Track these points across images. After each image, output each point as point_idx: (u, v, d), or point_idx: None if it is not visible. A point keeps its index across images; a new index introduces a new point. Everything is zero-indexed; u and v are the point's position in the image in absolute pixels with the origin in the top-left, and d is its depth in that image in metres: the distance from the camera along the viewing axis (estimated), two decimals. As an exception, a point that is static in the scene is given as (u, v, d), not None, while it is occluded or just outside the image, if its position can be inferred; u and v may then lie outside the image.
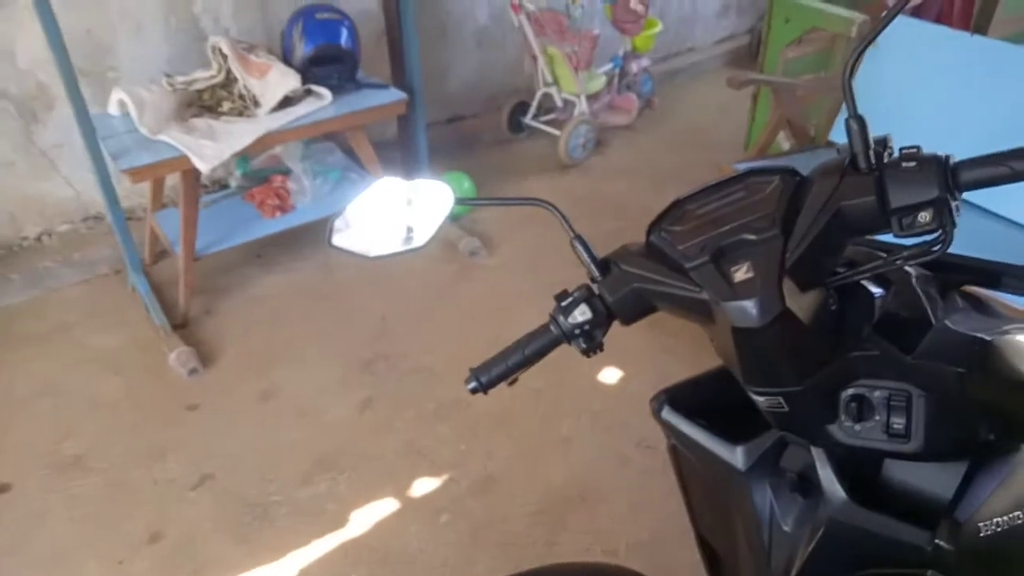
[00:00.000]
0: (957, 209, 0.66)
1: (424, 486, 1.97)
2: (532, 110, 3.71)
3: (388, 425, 2.17)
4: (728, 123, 3.70)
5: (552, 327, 0.83)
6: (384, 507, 1.91)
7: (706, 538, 1.04)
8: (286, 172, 2.89)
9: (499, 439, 2.11)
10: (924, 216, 0.65)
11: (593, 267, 0.82)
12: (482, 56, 3.79)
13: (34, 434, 2.15)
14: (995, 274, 0.82)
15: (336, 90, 2.66)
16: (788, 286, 0.68)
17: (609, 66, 3.73)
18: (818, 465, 0.77)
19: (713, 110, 4.09)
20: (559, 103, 3.62)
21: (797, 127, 2.77)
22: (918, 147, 0.68)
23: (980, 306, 0.82)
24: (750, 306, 0.68)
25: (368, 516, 1.89)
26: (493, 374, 0.86)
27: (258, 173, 2.93)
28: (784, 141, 2.97)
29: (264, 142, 2.52)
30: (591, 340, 0.82)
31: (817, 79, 2.97)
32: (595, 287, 0.82)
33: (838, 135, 2.52)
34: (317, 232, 3.01)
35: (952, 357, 0.69)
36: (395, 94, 2.76)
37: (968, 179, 0.65)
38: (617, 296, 0.80)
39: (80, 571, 1.78)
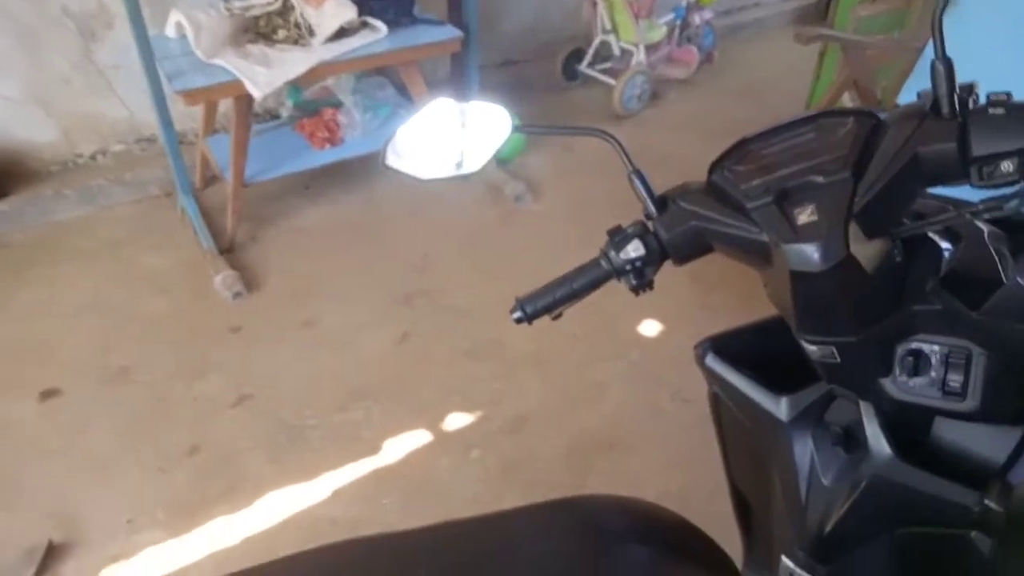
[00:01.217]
0: None
1: (457, 421, 1.99)
2: (588, 58, 3.63)
3: (424, 360, 2.18)
4: (790, 82, 3.57)
5: (603, 261, 0.81)
6: (417, 438, 1.94)
7: (740, 489, 1.03)
8: (337, 105, 2.88)
9: (533, 381, 2.11)
10: (1007, 166, 0.61)
11: (650, 203, 0.79)
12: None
13: (82, 345, 2.21)
14: None
15: (391, 24, 2.63)
16: (853, 232, 0.65)
17: (671, 16, 3.62)
18: (865, 420, 0.75)
19: (775, 68, 3.96)
20: (616, 52, 3.54)
21: (864, 88, 2.66)
22: (1009, 94, 0.63)
23: None
24: (812, 249, 0.64)
25: (401, 446, 1.91)
26: (539, 305, 0.84)
27: (310, 104, 2.93)
28: (848, 102, 2.86)
29: (317, 72, 2.50)
30: (641, 277, 0.80)
31: (890, 39, 2.84)
32: (650, 224, 0.79)
33: (907, 98, 2.41)
34: (365, 166, 3.05)
35: (1020, 317, 0.66)
36: (450, 31, 2.71)
37: None
38: (673, 233, 0.78)
39: (123, 475, 1.84)
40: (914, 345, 0.71)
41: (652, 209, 0.78)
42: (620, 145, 0.81)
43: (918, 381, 0.71)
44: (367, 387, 2.09)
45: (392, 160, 0.91)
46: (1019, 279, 0.69)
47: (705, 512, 1.01)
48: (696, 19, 3.67)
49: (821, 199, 0.66)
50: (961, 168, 0.62)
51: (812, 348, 0.73)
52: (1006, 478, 0.69)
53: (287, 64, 2.42)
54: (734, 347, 0.90)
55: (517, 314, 0.84)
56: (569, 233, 2.60)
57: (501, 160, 3.07)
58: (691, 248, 0.78)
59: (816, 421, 0.81)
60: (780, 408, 0.82)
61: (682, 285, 2.35)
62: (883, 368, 0.72)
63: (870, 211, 0.65)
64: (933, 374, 0.70)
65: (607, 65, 3.59)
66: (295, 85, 2.76)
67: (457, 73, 3.17)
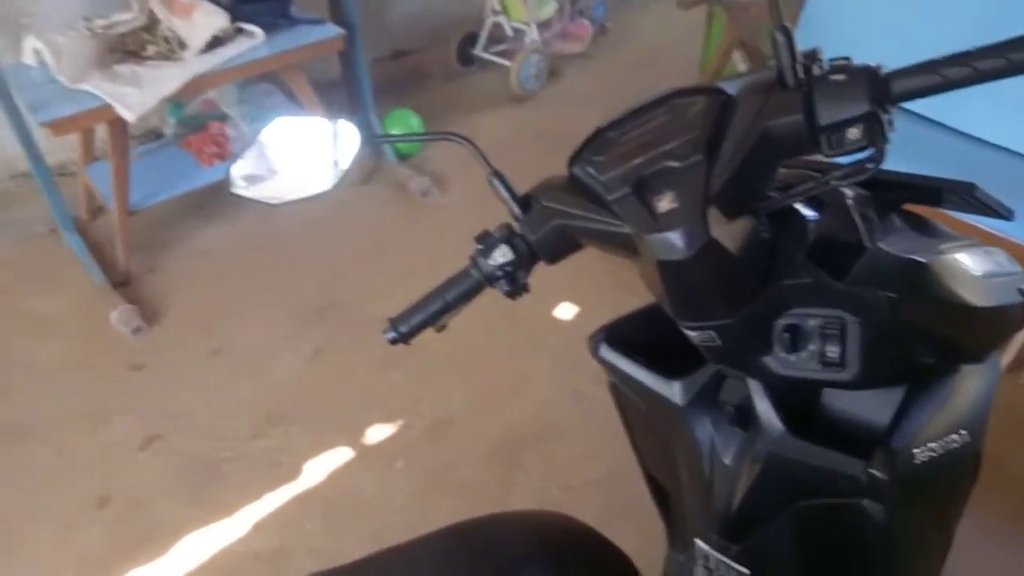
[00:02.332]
0: (890, 123, 0.61)
1: (378, 433, 1.94)
2: (482, 41, 3.57)
3: (340, 375, 2.12)
4: (685, 47, 3.58)
5: (472, 270, 0.79)
6: (338, 457, 1.88)
7: (654, 475, 1.02)
8: (223, 117, 2.76)
9: (454, 382, 2.07)
10: (854, 133, 0.60)
11: (513, 204, 0.77)
12: (426, -14, 3.63)
13: (-28, 403, 2.08)
14: (935, 190, 0.77)
15: (269, 28, 2.52)
16: (715, 215, 0.63)
17: (560, -9, 3.58)
18: (754, 397, 0.74)
19: (669, 35, 3.97)
20: (509, 32, 3.48)
21: (751, 47, 2.69)
22: (848, 58, 0.62)
23: (921, 225, 0.78)
24: (674, 237, 0.63)
25: (322, 467, 1.86)
26: (413, 323, 0.82)
27: (194, 120, 2.79)
28: (740, 62, 2.88)
29: (194, 86, 2.38)
30: (514, 282, 0.77)
31: (771, -5, 2.87)
32: (517, 226, 0.77)
33: (793, 53, 2.43)
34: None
35: (885, 282, 0.65)
36: (332, 30, 2.62)
37: (900, 90, 0.60)
38: (539, 234, 0.75)
39: (27, 540, 1.74)
40: (790, 320, 0.70)
41: (516, 210, 0.76)
42: (475, 147, 0.79)
43: (798, 356, 0.70)
44: (283, 410, 2.02)
45: (241, 188, 0.87)
46: (880, 244, 0.68)
47: (636, 494, 1.01)
48: (586, -8, 3.65)
49: (678, 185, 0.64)
50: (811, 138, 0.61)
51: (692, 333, 0.72)
52: (889, 443, 0.69)
53: (160, 81, 2.29)
54: (628, 334, 0.88)
55: (391, 334, 0.82)
56: (479, 224, 2.48)
57: (402, 155, 3.00)
58: (560, 247, 0.76)
59: (711, 402, 0.80)
60: (675, 392, 0.80)
61: (595, 264, 2.32)
62: (763, 346, 0.71)
63: (729, 191, 0.63)
64: (811, 347, 0.69)
65: (502, 47, 3.54)
66: (175, 101, 2.63)
67: (347, 71, 3.08)
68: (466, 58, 3.63)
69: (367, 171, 2.93)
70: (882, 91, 0.59)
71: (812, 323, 0.69)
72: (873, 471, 0.67)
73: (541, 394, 2.02)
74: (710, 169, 0.63)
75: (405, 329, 0.82)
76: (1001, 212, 0.77)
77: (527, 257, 0.76)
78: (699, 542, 0.89)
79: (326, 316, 2.32)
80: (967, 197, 0.75)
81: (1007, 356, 1.96)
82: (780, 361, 0.71)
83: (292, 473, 1.84)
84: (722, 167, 0.63)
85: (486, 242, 0.77)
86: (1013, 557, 1.57)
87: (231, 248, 2.64)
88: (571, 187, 0.73)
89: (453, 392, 2.04)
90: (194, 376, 2.14)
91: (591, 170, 0.70)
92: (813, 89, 0.60)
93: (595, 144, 0.72)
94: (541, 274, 0.78)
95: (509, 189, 0.77)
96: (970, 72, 0.59)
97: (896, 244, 0.68)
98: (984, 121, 2.19)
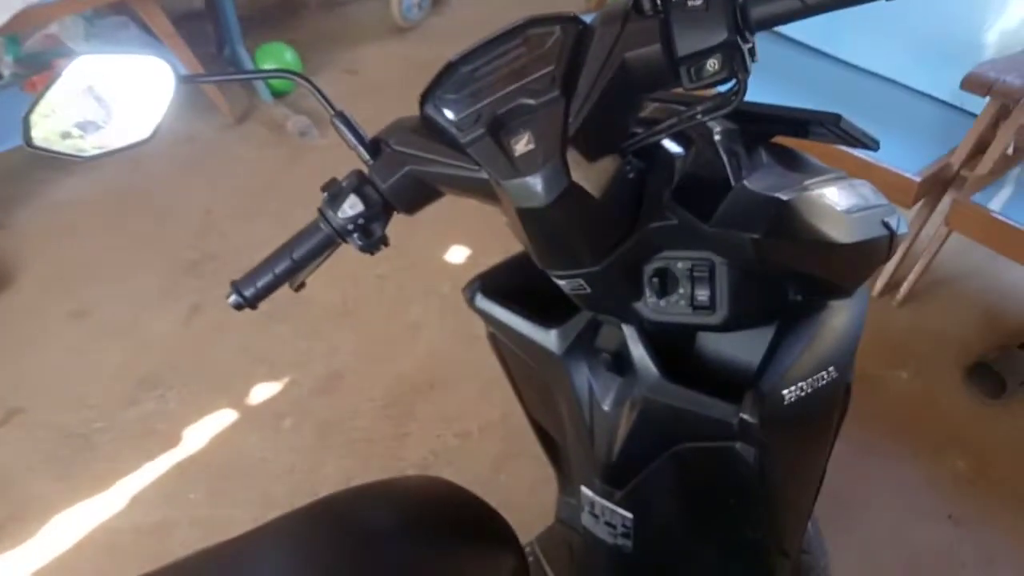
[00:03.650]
0: (751, 53, 0.58)
1: (263, 392, 1.85)
2: (360, -33, 3.35)
3: (219, 332, 2.00)
4: (572, -27, 3.48)
5: (321, 224, 0.71)
6: (220, 419, 1.78)
7: (540, 423, 1.01)
8: (70, 55, 2.48)
9: (343, 333, 1.99)
10: (713, 64, 0.56)
11: (361, 149, 0.70)
12: (296, -96, 3.35)
13: None
14: (802, 122, 0.74)
15: (113, -49, 2.26)
16: (576, 156, 0.59)
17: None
18: (629, 343, 0.73)
19: (557, -41, 3.85)
20: (389, -43, 3.28)
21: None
22: None
23: (789, 159, 0.76)
24: (532, 182, 0.59)
25: (203, 431, 1.76)
26: (259, 286, 0.75)
27: (36, 58, 2.50)
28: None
29: (28, 19, 2.12)
30: (369, 235, 0.71)
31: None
32: (367, 172, 0.70)
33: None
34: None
35: (748, 222, 0.64)
36: (187, -47, 2.38)
37: (759, 16, 0.56)
38: (390, 182, 0.69)
39: None
40: (659, 263, 0.68)
41: (366, 155, 0.70)
42: (313, 86, 0.72)
43: (668, 300, 0.69)
44: (157, 373, 1.89)
45: (40, 138, 0.75)
46: (746, 182, 0.66)
47: (530, 436, 1.00)
48: (469, -87, 3.46)
49: (535, 124, 0.60)
50: (671, 70, 0.57)
51: (560, 282, 0.69)
52: (758, 386, 0.68)
53: (-16, 14, 2.02)
54: (504, 283, 0.86)
55: (233, 299, 0.75)
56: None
57: (277, 92, 2.81)
58: (415, 195, 0.71)
59: (588, 348, 0.79)
60: (551, 340, 0.78)
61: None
62: (634, 291, 0.69)
63: (589, 129, 0.59)
64: (681, 290, 0.68)
65: (382, -27, 3.34)
66: (6, 35, 2.34)
67: (211, 1, 2.82)
68: (344, -15, 3.41)
69: (240, 110, 2.73)
70: (741, 18, 0.55)
71: (681, 266, 0.68)
72: (743, 415, 0.67)
73: (433, 342, 1.97)
74: (568, 107, 0.59)
75: (250, 293, 0.75)
76: (867, 143, 0.77)
77: (380, 207, 0.70)
78: (584, 488, 0.88)
79: (202, 269, 2.17)
80: (833, 128, 0.74)
81: (880, 281, 2.05)
82: (651, 306, 0.69)
83: (170, 440, 1.73)
84: (580, 103, 0.59)
85: (333, 191, 0.70)
86: (894, 472, 1.67)
87: (92, 199, 2.42)
88: (424, 128, 0.67)
89: (343, 344, 1.97)
90: (56, 341, 1.97)
91: (444, 109, 0.65)
92: (670, 16, 0.56)
93: (448, 80, 0.66)
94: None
95: (355, 132, 0.70)
96: None
97: (762, 181, 0.67)
98: (858, 47, 2.23)
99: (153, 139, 0.73)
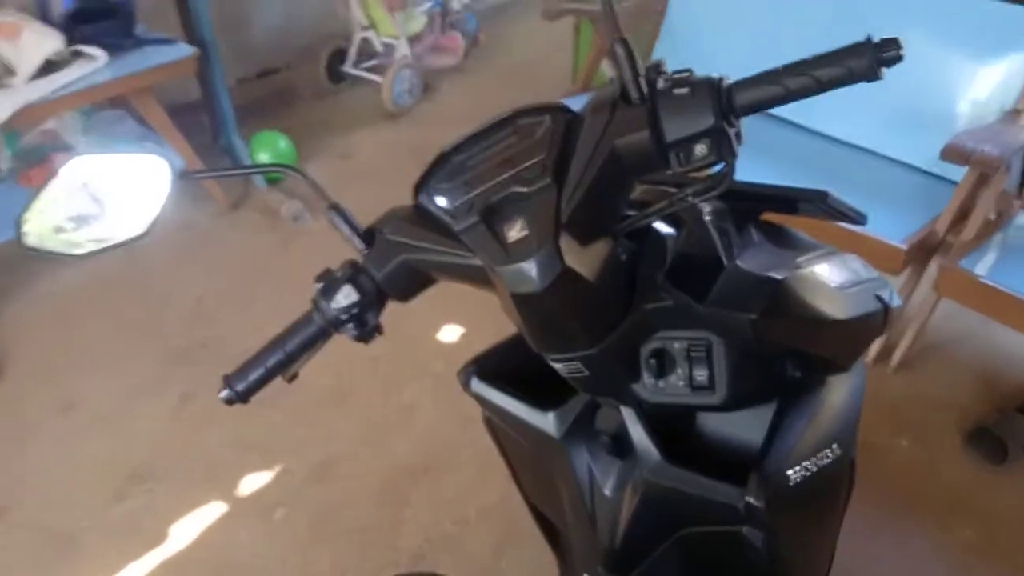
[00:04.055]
0: (737, 137, 0.59)
1: (255, 482, 1.80)
2: (351, 57, 3.47)
3: (210, 421, 1.96)
4: (559, 57, 3.59)
5: (315, 315, 0.71)
6: (210, 513, 1.73)
7: (540, 508, 0.98)
8: (67, 149, 2.53)
9: (336, 418, 1.96)
10: (701, 148, 0.57)
11: (356, 239, 0.71)
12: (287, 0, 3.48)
13: None
14: (791, 200, 0.76)
15: (112, 49, 2.34)
16: (569, 241, 0.60)
17: (429, 4, 3.52)
18: (629, 425, 0.71)
19: (542, 45, 3.98)
20: (379, 48, 3.40)
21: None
22: (689, 71, 0.59)
23: (779, 236, 0.77)
24: (526, 268, 0.59)
25: (192, 527, 1.70)
26: (251, 380, 0.75)
27: (33, 152, 2.55)
28: (609, 70, 2.91)
29: (28, 116, 2.18)
30: (363, 325, 0.71)
31: (634, 4, 2.92)
32: (361, 262, 0.71)
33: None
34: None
35: (743, 301, 0.64)
36: (182, 49, 2.46)
37: (744, 102, 0.58)
38: (385, 271, 0.70)
39: None
40: (656, 344, 0.67)
41: (360, 245, 0.71)
42: (310, 179, 0.74)
43: (667, 380, 0.68)
44: (145, 467, 1.84)
45: (34, 235, 0.76)
46: (738, 261, 0.66)
47: (529, 520, 0.98)
48: (455, 4, 3.61)
49: (528, 211, 0.61)
50: (660, 155, 0.58)
51: (557, 365, 0.68)
52: (763, 467, 0.67)
53: (-17, 112, 2.07)
54: (499, 365, 0.85)
55: (225, 393, 0.74)
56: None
57: (271, 180, 2.85)
58: (410, 283, 0.72)
59: (588, 431, 0.77)
60: (549, 423, 0.77)
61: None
62: (632, 372, 0.68)
63: (582, 214, 0.60)
64: (679, 371, 0.67)
65: (373, 62, 3.45)
66: (7, 132, 2.39)
67: (206, 93, 2.90)
68: (336, 75, 3.51)
69: (235, 197, 2.77)
70: (726, 104, 0.57)
71: (678, 346, 0.67)
72: (749, 499, 0.65)
73: (428, 424, 1.94)
74: (560, 193, 0.60)
75: (242, 387, 0.74)
76: (854, 217, 0.78)
77: (375, 296, 0.70)
78: None
79: (192, 357, 2.15)
80: (821, 205, 0.75)
81: (873, 348, 2.04)
82: (649, 388, 0.68)
83: (158, 538, 1.68)
84: (572, 190, 0.60)
85: (327, 282, 0.71)
86: (902, 546, 1.62)
87: (82, 289, 2.41)
88: (418, 217, 0.68)
89: (338, 429, 1.93)
90: (43, 436, 1.93)
91: (437, 198, 0.66)
92: (657, 104, 0.58)
93: (441, 170, 0.67)
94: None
95: (349, 223, 0.71)
96: (810, 82, 0.58)
97: (754, 260, 0.67)
98: (834, 119, 2.29)
99: (149, 234, 0.75)
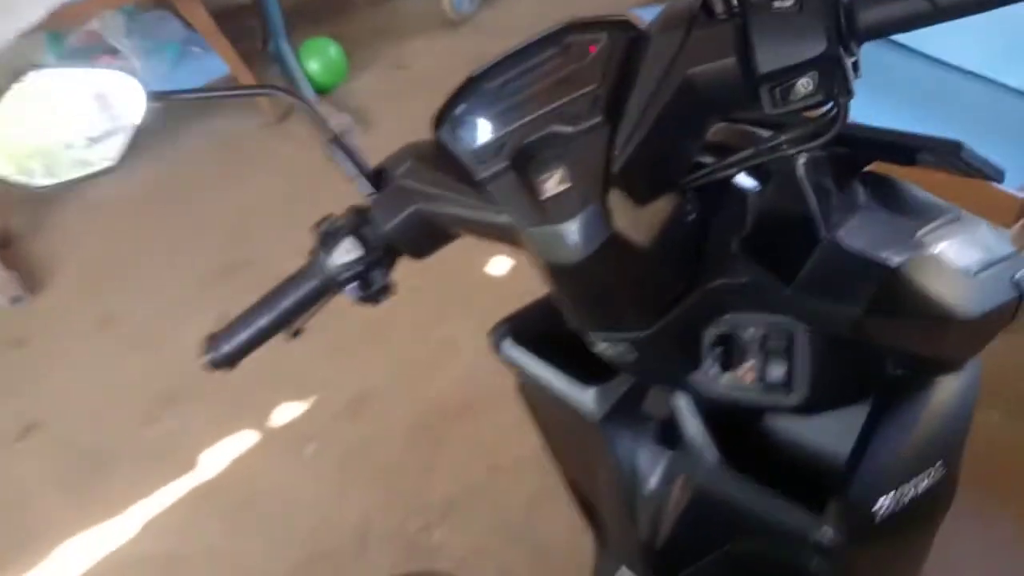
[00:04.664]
0: (855, 68, 0.45)
1: (287, 413, 1.74)
2: (411, -42, 3.23)
3: (246, 345, 1.90)
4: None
5: (313, 270, 0.62)
6: (242, 442, 1.69)
7: (576, 484, 0.88)
8: (113, 51, 2.44)
9: (374, 350, 1.87)
10: (806, 84, 0.44)
11: (362, 180, 0.60)
12: None
13: None
14: (909, 149, 0.58)
15: (153, -57, 2.19)
16: (622, 197, 0.48)
17: (496, -101, 3.23)
18: (683, 416, 0.61)
19: (620, -54, 3.66)
20: (441, -52, 3.15)
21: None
22: None
23: (890, 192, 0.60)
24: (565, 232, 0.48)
25: (223, 455, 1.66)
26: (239, 341, 0.67)
27: (79, 54, 2.46)
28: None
29: (67, 16, 2.07)
30: (368, 285, 0.61)
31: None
32: (368, 209, 0.60)
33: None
34: (159, 120, 2.59)
35: (844, 291, 0.51)
36: (228, -54, 2.29)
37: (871, 21, 0.44)
38: (394, 222, 0.58)
39: None
40: (724, 328, 0.56)
41: (368, 188, 0.60)
42: (306, 102, 0.64)
43: (734, 374, 0.56)
44: (180, 389, 1.80)
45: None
46: (841, 233, 0.51)
47: None
48: (526, -100, 3.30)
49: (571, 157, 0.49)
50: (749, 90, 0.45)
51: (601, 345, 0.58)
52: (847, 494, 0.55)
53: (16, 9, 1.97)
54: (537, 326, 0.73)
55: (209, 357, 0.66)
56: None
57: (321, 90, 2.70)
58: (424, 238, 0.60)
59: (634, 413, 0.66)
60: (589, 400, 0.66)
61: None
62: (691, 359, 0.57)
63: (639, 164, 0.48)
64: (750, 363, 0.55)
65: (433, -36, 3.21)
66: (50, 31, 2.30)
67: (257, -6, 2.74)
68: (394, -23, 3.29)
69: (282, 108, 2.64)
70: (846, 23, 0.43)
71: (751, 332, 0.55)
72: (827, 531, 0.54)
73: (470, 361, 1.83)
74: (613, 136, 0.48)
75: (229, 348, 0.66)
76: (990, 174, 0.61)
77: (382, 251, 0.59)
78: (625, 569, 0.76)
79: (233, 276, 2.08)
80: (951, 159, 0.58)
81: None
82: (712, 379, 0.57)
83: (188, 464, 1.64)
84: (630, 132, 0.47)
85: (326, 231, 0.61)
86: (981, 533, 1.46)
87: (128, 201, 2.36)
88: (438, 157, 0.56)
89: (376, 362, 1.84)
90: (81, 352, 1.91)
91: (461, 135, 0.54)
92: (749, 21, 0.44)
93: (467, 99, 0.55)
94: None
95: (354, 160, 0.60)
96: None
97: (860, 232, 0.52)
98: (949, 40, 1.99)
99: (118, 165, 0.66)
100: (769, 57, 0.43)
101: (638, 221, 0.49)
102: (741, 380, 0.56)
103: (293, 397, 1.77)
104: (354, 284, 0.60)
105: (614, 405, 0.65)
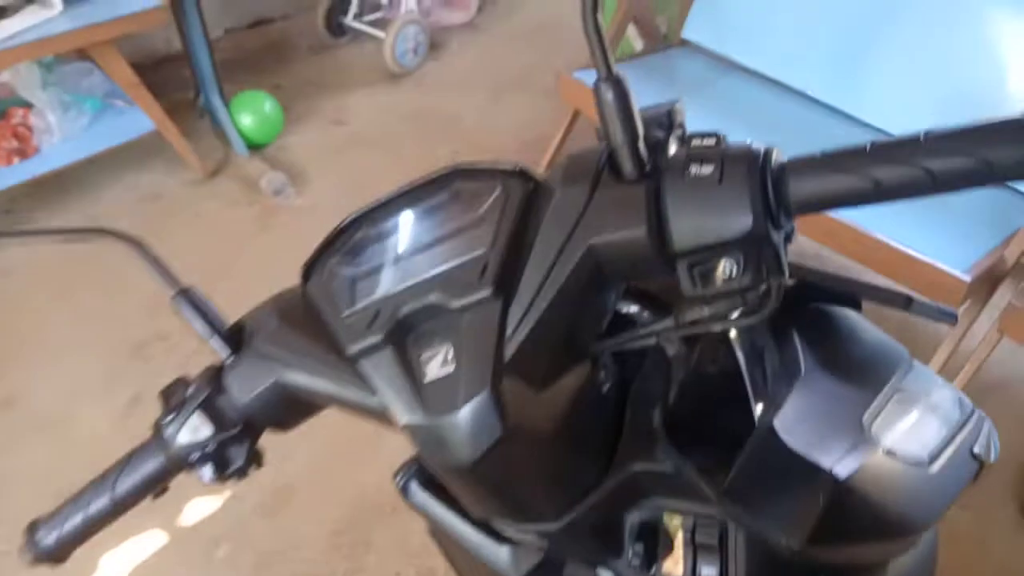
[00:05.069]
0: (787, 241, 0.40)
1: (199, 510, 1.60)
2: (353, 8, 3.15)
3: (158, 431, 1.75)
4: (579, 17, 3.27)
5: (155, 447, 0.53)
6: (146, 544, 1.53)
7: None
8: (27, 105, 2.29)
9: (295, 439, 1.72)
10: (729, 266, 0.38)
11: (216, 341, 0.51)
12: (286, -58, 3.17)
13: None
14: (851, 296, 0.52)
15: (71, -5, 2.07)
16: (518, 382, 0.41)
17: (440, -48, 3.20)
18: None
19: (563, 2, 3.64)
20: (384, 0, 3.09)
21: (645, 24, 2.40)
22: (718, 135, 0.40)
23: (833, 340, 0.52)
24: (450, 428, 0.40)
25: (124, 559, 1.50)
26: (68, 531, 0.55)
27: (-12, 108, 2.31)
28: (636, 39, 2.59)
29: (-27, 69, 1.92)
30: (223, 464, 0.52)
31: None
32: (222, 376, 0.51)
33: (694, 32, 2.18)
34: (81, 180, 2.47)
35: (779, 508, 0.44)
36: (150, -2, 2.17)
37: (804, 196, 0.38)
38: (253, 395, 0.50)
39: None
40: (646, 515, 0.49)
41: (223, 352, 0.51)
42: (142, 248, 0.53)
43: (660, 567, 0.49)
44: (81, 481, 1.63)
45: None
46: (775, 423, 0.43)
47: None
48: (470, -47, 3.28)
49: (456, 334, 0.42)
50: (661, 265, 0.39)
51: (507, 531, 0.52)
52: None
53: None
54: None
55: (31, 551, 0.54)
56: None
57: (254, 145, 2.59)
58: (288, 412, 0.52)
59: None
60: (504, 560, 0.57)
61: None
62: (611, 548, 0.50)
63: (538, 344, 0.41)
64: (677, 555, 0.48)
65: (377, 15, 3.14)
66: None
67: (185, 44, 2.62)
68: (336, 28, 3.21)
69: (213, 164, 2.52)
70: (774, 195, 0.38)
71: (678, 523, 0.49)
72: None
73: (398, 452, 1.71)
74: (505, 312, 0.41)
75: (54, 540, 0.54)
76: (942, 320, 0.54)
77: (241, 426, 0.51)
78: None
79: (148, 352, 1.93)
80: (899, 308, 0.50)
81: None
82: (634, 571, 0.50)
83: (87, 570, 1.48)
84: (524, 309, 0.41)
85: (173, 404, 0.52)
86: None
87: (39, 266, 2.20)
88: (308, 315, 0.48)
89: (298, 451, 1.71)
90: (-26, 439, 1.73)
91: (331, 292, 0.46)
92: (663, 185, 0.39)
93: (341, 249, 0.48)
94: None
95: (208, 318, 0.52)
96: (919, 175, 0.35)
97: (800, 421, 0.44)
98: (887, 108, 1.98)
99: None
100: (685, 233, 0.38)
101: (541, 405, 0.42)
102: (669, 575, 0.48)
103: (205, 491, 1.63)
104: (206, 464, 0.51)
105: (531, 570, 0.56)
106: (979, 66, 1.82)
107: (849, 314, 0.52)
